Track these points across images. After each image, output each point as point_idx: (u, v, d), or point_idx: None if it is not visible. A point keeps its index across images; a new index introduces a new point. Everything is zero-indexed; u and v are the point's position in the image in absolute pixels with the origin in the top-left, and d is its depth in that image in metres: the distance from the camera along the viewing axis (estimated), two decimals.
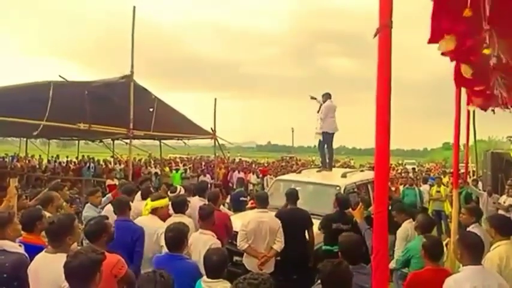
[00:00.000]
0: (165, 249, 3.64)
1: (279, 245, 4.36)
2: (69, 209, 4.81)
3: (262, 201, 4.62)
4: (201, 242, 3.51)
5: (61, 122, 8.38)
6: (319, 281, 2.36)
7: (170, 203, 4.56)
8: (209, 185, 7.71)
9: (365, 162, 26.25)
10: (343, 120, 7.83)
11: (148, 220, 3.99)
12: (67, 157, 20.42)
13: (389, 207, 4.05)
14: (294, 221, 4.65)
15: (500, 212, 6.55)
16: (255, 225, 4.34)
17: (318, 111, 7.76)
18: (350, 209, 4.77)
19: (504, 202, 7.12)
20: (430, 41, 2.28)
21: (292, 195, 4.83)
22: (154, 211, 4.03)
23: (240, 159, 26.18)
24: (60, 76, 8.13)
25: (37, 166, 16.37)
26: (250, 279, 1.86)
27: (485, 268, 2.60)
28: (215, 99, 12.30)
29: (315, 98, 7.96)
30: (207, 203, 4.77)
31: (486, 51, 2.12)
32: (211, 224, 3.82)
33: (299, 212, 4.74)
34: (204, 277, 2.73)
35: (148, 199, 4.18)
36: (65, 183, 7.03)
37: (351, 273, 2.29)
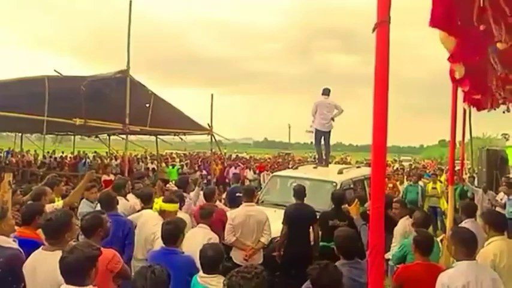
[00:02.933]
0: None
1: (266, 238, 4.42)
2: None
3: (248, 195, 4.63)
4: (200, 236, 3.53)
5: (56, 117, 8.34)
6: (308, 282, 2.34)
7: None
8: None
9: (361, 159, 26.37)
10: (340, 117, 7.78)
11: (153, 218, 3.91)
12: (62, 152, 20.33)
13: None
14: (299, 216, 4.68)
15: (498, 209, 6.59)
16: (242, 219, 4.37)
17: None
18: (346, 205, 4.78)
19: (501, 199, 7.18)
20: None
21: (299, 192, 4.86)
22: (162, 212, 3.94)
23: (237, 155, 26.20)
24: (55, 70, 8.07)
25: (32, 161, 16.27)
26: (244, 272, 1.86)
27: (478, 263, 2.62)
28: (212, 94, 12.26)
29: (311, 131, 7.84)
30: (185, 195, 4.91)
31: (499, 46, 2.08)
32: (208, 223, 3.83)
33: (305, 208, 4.78)
34: (200, 272, 2.73)
35: (160, 198, 4.12)
36: (61, 179, 6.99)
37: (339, 273, 2.29)
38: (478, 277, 2.40)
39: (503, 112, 4.81)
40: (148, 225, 3.83)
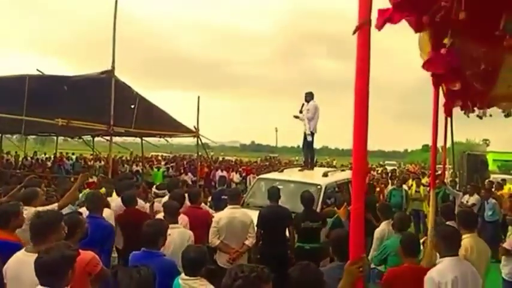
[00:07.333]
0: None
1: (250, 241, 4.39)
2: None
3: (234, 198, 4.61)
4: (175, 234, 3.50)
5: (38, 117, 8.16)
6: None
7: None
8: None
9: (347, 163, 26.60)
10: (326, 121, 7.85)
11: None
12: (45, 154, 19.88)
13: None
14: (275, 219, 4.66)
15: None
16: (227, 222, 4.34)
17: (301, 111, 7.77)
18: (335, 208, 4.82)
19: (467, 201, 7.38)
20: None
21: (273, 193, 4.84)
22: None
23: (223, 158, 26.11)
24: (37, 70, 7.92)
25: (13, 163, 15.86)
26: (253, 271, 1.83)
27: (460, 258, 2.74)
28: (198, 97, 12.23)
29: (298, 117, 7.87)
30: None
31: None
32: (176, 219, 3.82)
33: (280, 210, 4.75)
34: (182, 274, 2.69)
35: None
36: (42, 180, 6.81)
37: (320, 273, 2.28)
38: (462, 271, 2.57)
39: (480, 118, 4.93)
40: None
